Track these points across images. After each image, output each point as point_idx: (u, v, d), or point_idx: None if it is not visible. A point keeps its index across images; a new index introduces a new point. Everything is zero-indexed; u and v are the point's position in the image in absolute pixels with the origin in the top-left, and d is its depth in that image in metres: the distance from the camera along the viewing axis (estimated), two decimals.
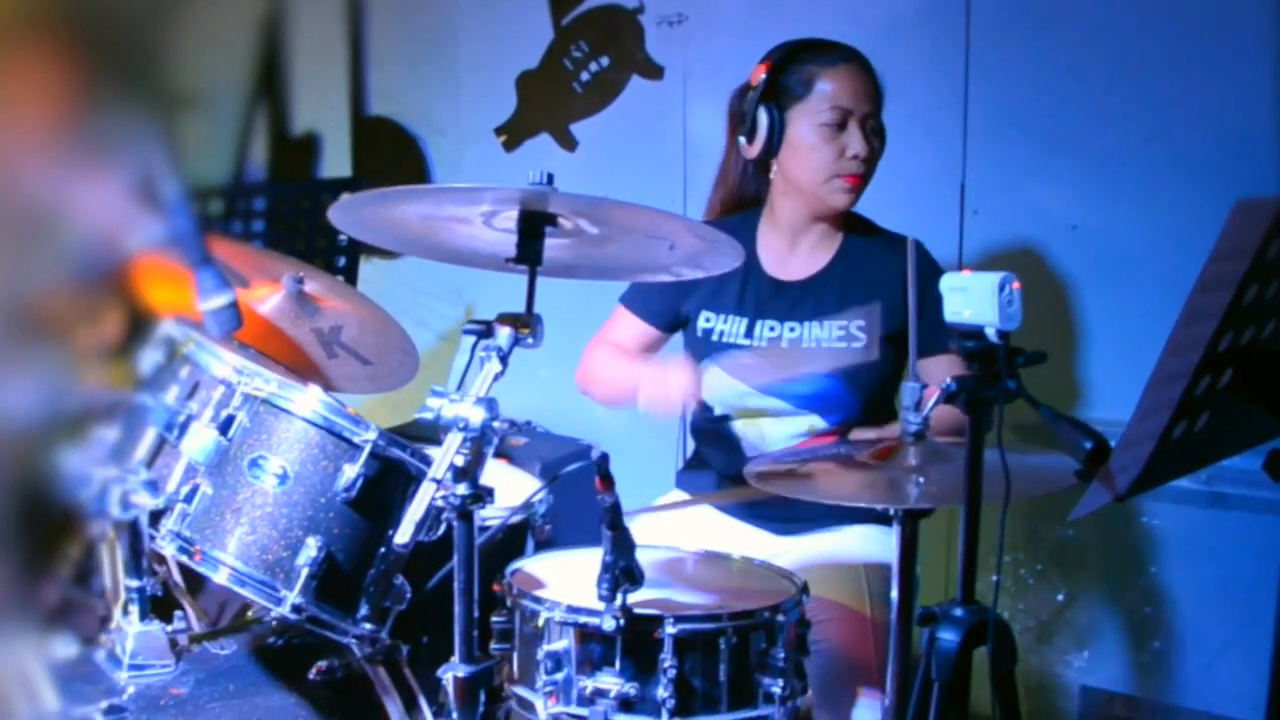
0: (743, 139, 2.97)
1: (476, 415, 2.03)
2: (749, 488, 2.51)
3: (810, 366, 2.86)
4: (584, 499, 2.21)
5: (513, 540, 2.82)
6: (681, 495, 3.16)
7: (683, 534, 2.84)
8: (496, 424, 2.05)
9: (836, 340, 2.92)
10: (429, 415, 2.06)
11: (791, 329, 2.94)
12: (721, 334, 2.99)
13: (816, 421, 2.95)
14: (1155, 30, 3.34)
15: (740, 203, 3.11)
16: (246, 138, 4.51)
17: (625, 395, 2.90)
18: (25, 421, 1.27)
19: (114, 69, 1.27)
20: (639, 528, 2.96)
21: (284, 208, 3.80)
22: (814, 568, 2.80)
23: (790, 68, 2.91)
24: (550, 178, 2.05)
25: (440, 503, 2.08)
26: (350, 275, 4.01)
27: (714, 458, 3.11)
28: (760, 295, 2.98)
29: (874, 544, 2.96)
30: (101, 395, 2.22)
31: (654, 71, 4.22)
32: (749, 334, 2.97)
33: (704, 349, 3.00)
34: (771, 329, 2.96)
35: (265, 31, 4.11)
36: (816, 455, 2.56)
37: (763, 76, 2.91)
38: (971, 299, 1.93)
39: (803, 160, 2.90)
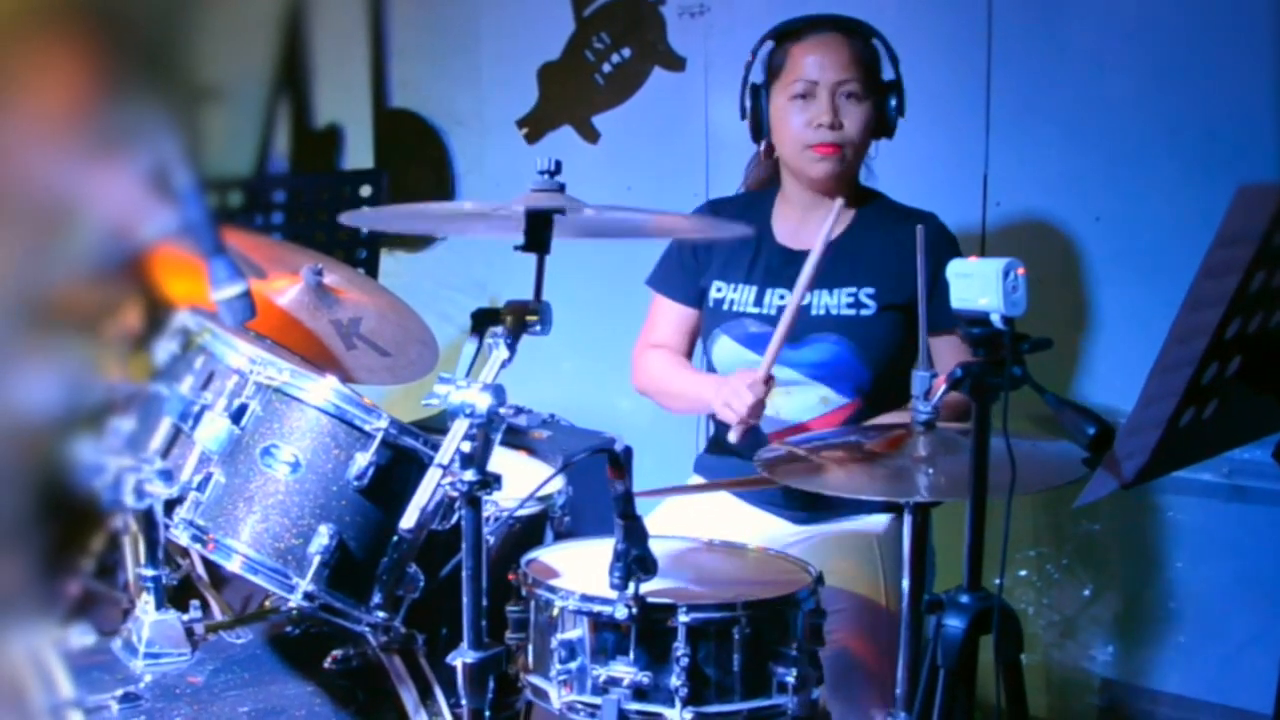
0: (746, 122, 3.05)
1: (483, 401, 2.04)
2: (765, 478, 2.50)
3: None
4: (604, 490, 2.21)
5: (532, 531, 2.82)
6: (700, 480, 3.16)
7: (700, 522, 2.85)
8: (503, 410, 2.06)
9: (846, 307, 2.92)
10: (435, 402, 2.07)
11: (801, 296, 2.94)
12: (731, 303, 3.01)
13: (829, 394, 2.95)
14: (1179, 20, 3.31)
15: (767, 184, 3.18)
16: (269, 130, 4.52)
17: (697, 409, 2.98)
18: (43, 413, 1.28)
19: (136, 61, 1.28)
20: (658, 513, 2.98)
21: (305, 199, 3.81)
22: (831, 557, 2.80)
23: (771, 47, 3.02)
24: (558, 165, 2.07)
25: (449, 490, 2.08)
26: (371, 268, 4.02)
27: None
28: (770, 264, 3.00)
29: (891, 533, 2.95)
30: (118, 386, 2.24)
31: (676, 63, 4.21)
32: (758, 302, 2.99)
33: (715, 319, 3.04)
34: (781, 297, 2.96)
35: (287, 23, 4.11)
36: (828, 440, 2.55)
37: (749, 60, 3.02)
38: (976, 285, 1.92)
39: (781, 133, 2.98)
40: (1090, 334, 3.54)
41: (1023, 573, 3.64)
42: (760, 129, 3.01)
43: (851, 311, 2.92)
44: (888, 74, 2.99)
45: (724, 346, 2.98)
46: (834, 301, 2.93)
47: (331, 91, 4.87)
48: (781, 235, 3.03)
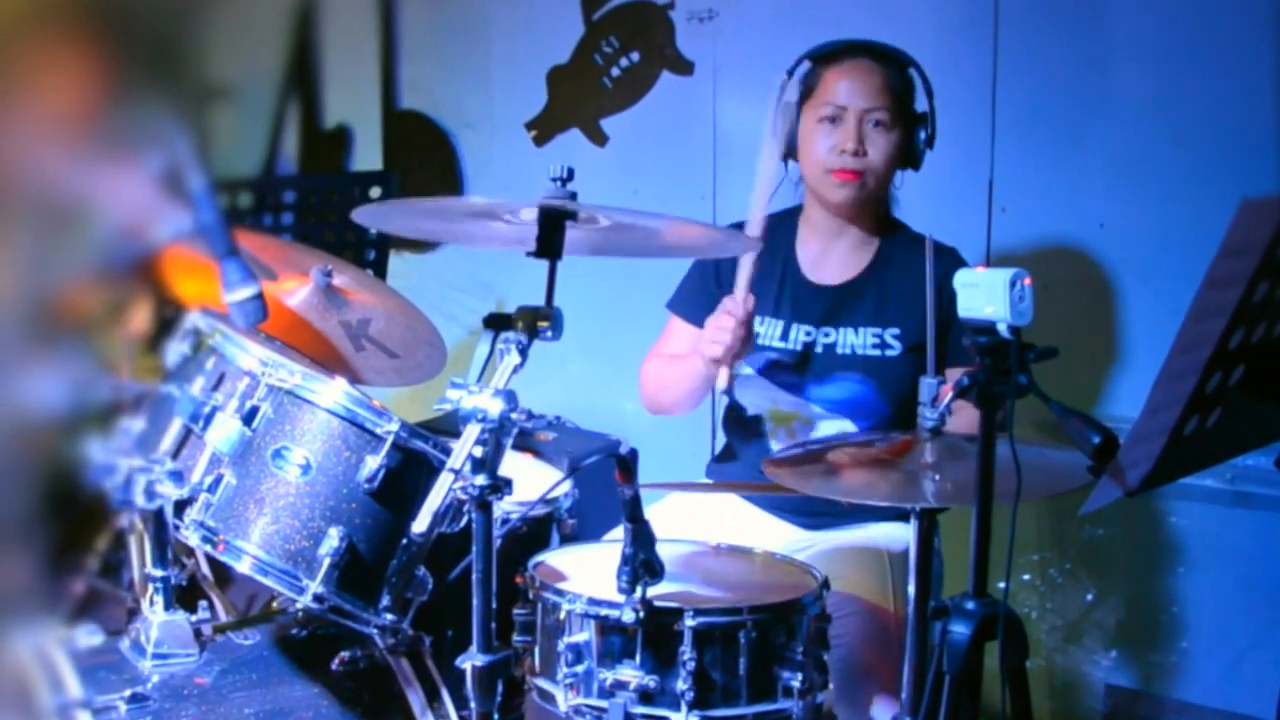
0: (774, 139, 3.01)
1: (495, 407, 2.04)
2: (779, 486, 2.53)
3: None
4: (611, 493, 2.21)
5: (539, 534, 2.83)
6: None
7: (709, 527, 2.85)
8: (515, 415, 2.07)
9: (871, 348, 2.92)
10: (447, 407, 2.08)
11: (826, 334, 2.95)
12: (757, 336, 2.96)
13: (848, 426, 2.95)
14: (1183, 29, 3.32)
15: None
16: (278, 130, 4.53)
17: (692, 390, 2.97)
18: (53, 413, 1.28)
19: (144, 60, 1.28)
20: (668, 514, 2.98)
21: (314, 201, 3.82)
22: (840, 563, 2.81)
23: (805, 68, 2.97)
24: (570, 172, 2.07)
25: (460, 494, 2.09)
26: (380, 269, 4.03)
27: (745, 452, 3.11)
28: (797, 298, 2.99)
29: (900, 540, 2.95)
30: (129, 386, 2.25)
31: (684, 67, 4.22)
32: (784, 337, 2.98)
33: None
34: (807, 333, 2.96)
35: (297, 24, 4.12)
36: (836, 441, 2.55)
37: (784, 79, 2.97)
38: (983, 295, 1.93)
39: (805, 154, 2.95)
40: (1095, 342, 3.54)
41: (1026, 578, 3.65)
42: (790, 147, 2.97)
43: (876, 352, 2.92)
44: (922, 105, 2.97)
45: (749, 381, 2.98)
46: (859, 341, 2.93)
47: (340, 92, 4.88)
48: (806, 266, 3.02)
